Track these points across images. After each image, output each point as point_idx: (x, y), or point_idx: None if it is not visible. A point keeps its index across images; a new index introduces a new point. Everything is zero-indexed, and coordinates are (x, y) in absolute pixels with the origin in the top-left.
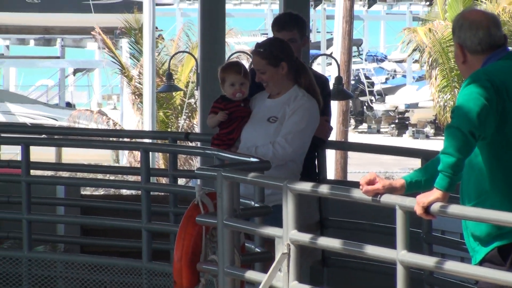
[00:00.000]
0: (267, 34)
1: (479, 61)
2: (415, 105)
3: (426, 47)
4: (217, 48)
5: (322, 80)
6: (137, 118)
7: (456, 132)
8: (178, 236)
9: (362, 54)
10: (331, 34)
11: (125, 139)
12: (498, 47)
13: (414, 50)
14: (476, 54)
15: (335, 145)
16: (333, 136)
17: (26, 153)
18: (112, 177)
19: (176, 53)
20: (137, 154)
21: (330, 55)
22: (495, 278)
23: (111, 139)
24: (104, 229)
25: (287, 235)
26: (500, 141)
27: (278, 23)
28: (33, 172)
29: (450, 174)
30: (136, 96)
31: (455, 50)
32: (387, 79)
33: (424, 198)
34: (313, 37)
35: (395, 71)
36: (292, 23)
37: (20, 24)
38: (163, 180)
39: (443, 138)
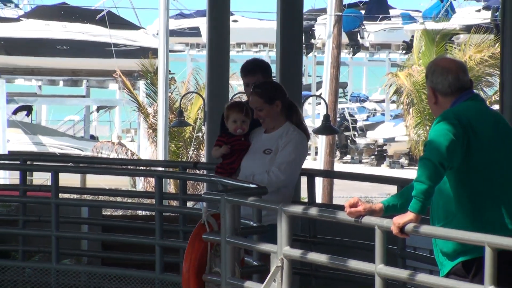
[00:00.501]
0: None
1: (449, 102)
2: (392, 139)
3: (405, 89)
4: (222, 89)
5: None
6: (152, 149)
7: (428, 163)
8: (186, 251)
9: (347, 95)
10: (321, 78)
11: (141, 167)
12: (465, 89)
13: (395, 92)
14: (446, 96)
15: (322, 173)
16: (320, 166)
17: (55, 178)
18: (129, 200)
19: (186, 93)
20: (152, 180)
21: (320, 96)
22: None
23: (129, 167)
24: (122, 244)
25: (281, 251)
26: (465, 170)
27: (243, 69)
28: (61, 195)
29: (422, 199)
30: (152, 130)
31: (428, 92)
32: (368, 116)
33: (400, 219)
34: (305, 80)
35: (375, 110)
36: (256, 68)
37: (51, 67)
38: (174, 203)
39: (417, 168)
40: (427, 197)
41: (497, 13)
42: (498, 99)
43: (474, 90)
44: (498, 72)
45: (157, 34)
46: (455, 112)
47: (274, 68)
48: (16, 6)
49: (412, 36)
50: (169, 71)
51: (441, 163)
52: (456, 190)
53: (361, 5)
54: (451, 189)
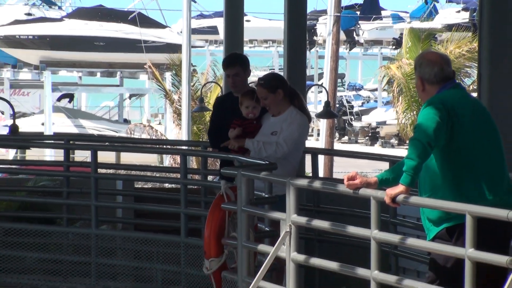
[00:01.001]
0: (273, 69)
1: (435, 90)
2: (383, 123)
3: (396, 79)
4: None
5: None
6: (176, 131)
7: (417, 143)
8: (207, 219)
9: (344, 85)
10: (322, 70)
11: (168, 146)
12: (449, 79)
13: (387, 82)
14: (433, 84)
15: (324, 151)
16: (322, 145)
17: (94, 156)
18: (157, 174)
19: (206, 83)
20: (177, 157)
21: (321, 85)
22: (444, 250)
23: (157, 146)
24: (152, 212)
25: (289, 218)
26: (449, 148)
27: (224, 62)
28: (99, 170)
29: (411, 174)
30: (176, 115)
31: (416, 81)
32: (363, 103)
33: (392, 191)
34: (308, 72)
35: (369, 97)
36: (234, 61)
37: (90, 60)
38: (197, 177)
39: (407, 147)
40: (416, 172)
41: (475, 14)
42: (475, 88)
43: (456, 80)
44: (476, 65)
45: (181, 32)
46: (441, 98)
47: (281, 61)
48: (59, 8)
49: (401, 34)
50: (191, 64)
51: (428, 143)
52: (441, 165)
53: (356, 7)
54: (436, 165)
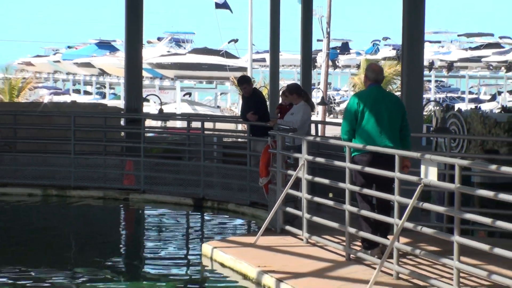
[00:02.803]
0: (294, 80)
1: (367, 84)
2: None
3: (357, 84)
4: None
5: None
6: None
7: (342, 136)
8: (261, 156)
9: (331, 88)
10: (319, 80)
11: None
12: (376, 82)
13: (353, 86)
14: (368, 81)
15: (320, 123)
16: (320, 119)
17: (202, 125)
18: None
19: (259, 87)
20: (245, 126)
21: (319, 88)
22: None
23: (233, 119)
24: (232, 154)
25: (304, 157)
26: (359, 124)
27: (238, 81)
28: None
29: (345, 139)
30: None
31: (364, 78)
32: (340, 97)
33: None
34: (312, 81)
35: (343, 95)
36: (242, 81)
37: (200, 75)
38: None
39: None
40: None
41: (399, 51)
42: (399, 90)
43: (381, 83)
44: (399, 78)
45: (247, 61)
46: (357, 94)
47: (299, 76)
48: (184, 48)
49: (360, 62)
50: (252, 77)
51: (346, 133)
52: (357, 132)
53: (337, 48)
54: (356, 132)
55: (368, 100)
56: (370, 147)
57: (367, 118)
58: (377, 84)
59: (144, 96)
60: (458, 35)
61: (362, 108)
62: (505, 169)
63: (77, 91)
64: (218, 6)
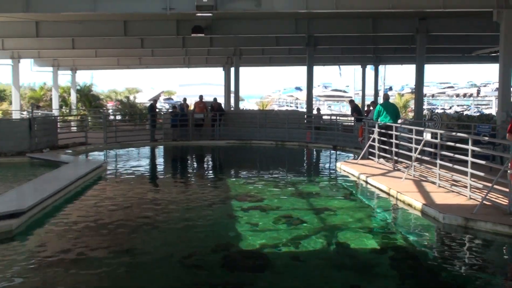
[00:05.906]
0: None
1: (384, 100)
2: None
3: None
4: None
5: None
6: None
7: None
8: (359, 130)
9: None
10: None
11: None
12: (387, 99)
13: None
14: (384, 99)
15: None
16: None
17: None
18: None
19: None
20: None
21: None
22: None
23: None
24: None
25: (376, 130)
26: (380, 116)
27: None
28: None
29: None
30: None
31: (383, 97)
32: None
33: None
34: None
35: None
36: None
37: None
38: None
39: None
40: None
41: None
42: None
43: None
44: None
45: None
46: (381, 104)
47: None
48: None
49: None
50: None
51: (376, 119)
52: (377, 116)
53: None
54: (380, 118)
55: (388, 107)
56: (383, 123)
57: (384, 113)
58: (387, 100)
59: None
60: None
61: (382, 109)
62: (450, 133)
63: None
64: None
